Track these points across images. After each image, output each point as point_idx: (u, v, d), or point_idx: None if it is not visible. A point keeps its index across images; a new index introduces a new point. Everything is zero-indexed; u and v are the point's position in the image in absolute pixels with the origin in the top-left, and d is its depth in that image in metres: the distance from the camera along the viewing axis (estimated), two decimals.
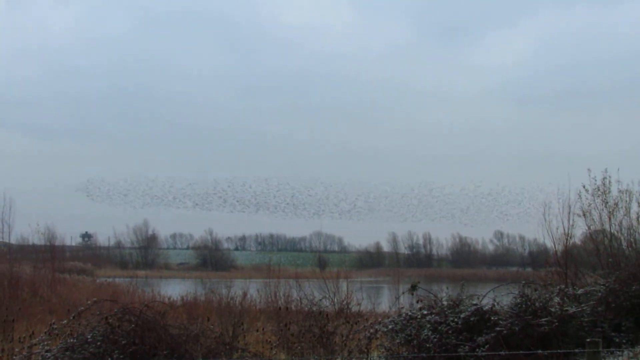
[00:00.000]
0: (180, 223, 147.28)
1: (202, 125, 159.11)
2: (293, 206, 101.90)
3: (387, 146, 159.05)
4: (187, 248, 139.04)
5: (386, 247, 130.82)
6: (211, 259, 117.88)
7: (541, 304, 12.33)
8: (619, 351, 11.96)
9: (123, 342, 10.28)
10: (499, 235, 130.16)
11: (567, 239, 18.93)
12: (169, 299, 26.68)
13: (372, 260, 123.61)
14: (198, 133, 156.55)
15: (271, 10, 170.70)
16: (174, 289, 36.99)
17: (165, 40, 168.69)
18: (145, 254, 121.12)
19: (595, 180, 18.90)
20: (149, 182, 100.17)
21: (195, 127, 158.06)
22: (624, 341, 12.37)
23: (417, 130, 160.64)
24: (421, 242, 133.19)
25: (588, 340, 9.75)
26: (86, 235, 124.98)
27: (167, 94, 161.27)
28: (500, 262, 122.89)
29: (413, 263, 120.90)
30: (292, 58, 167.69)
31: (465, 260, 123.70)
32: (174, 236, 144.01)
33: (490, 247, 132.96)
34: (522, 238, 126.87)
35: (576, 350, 11.07)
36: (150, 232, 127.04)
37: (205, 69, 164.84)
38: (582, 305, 13.03)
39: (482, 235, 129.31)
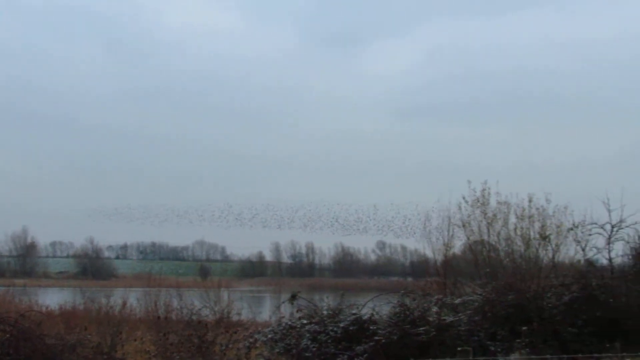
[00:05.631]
0: (60, 231, 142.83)
1: (81, 123, 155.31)
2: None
3: (274, 154, 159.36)
4: (68, 256, 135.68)
5: (269, 257, 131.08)
6: (92, 267, 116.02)
7: (419, 314, 12.45)
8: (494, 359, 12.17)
9: None
10: (382, 245, 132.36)
11: (446, 250, 19.28)
12: (46, 308, 26.16)
13: (254, 270, 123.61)
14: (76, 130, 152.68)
15: (154, 12, 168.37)
16: (52, 298, 35.96)
17: (44, 35, 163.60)
18: (24, 262, 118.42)
19: (475, 192, 19.31)
20: None
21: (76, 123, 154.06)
22: (499, 350, 12.61)
23: (304, 138, 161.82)
24: (304, 251, 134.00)
25: (459, 349, 9.90)
26: None
27: (45, 89, 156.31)
28: (382, 272, 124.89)
29: (295, 272, 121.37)
30: (177, 60, 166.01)
31: (347, 269, 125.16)
32: (53, 244, 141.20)
33: (373, 257, 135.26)
34: (404, 248, 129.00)
35: None
36: (29, 240, 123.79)
37: (85, 67, 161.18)
38: (460, 314, 13.23)
39: (364, 245, 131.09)
